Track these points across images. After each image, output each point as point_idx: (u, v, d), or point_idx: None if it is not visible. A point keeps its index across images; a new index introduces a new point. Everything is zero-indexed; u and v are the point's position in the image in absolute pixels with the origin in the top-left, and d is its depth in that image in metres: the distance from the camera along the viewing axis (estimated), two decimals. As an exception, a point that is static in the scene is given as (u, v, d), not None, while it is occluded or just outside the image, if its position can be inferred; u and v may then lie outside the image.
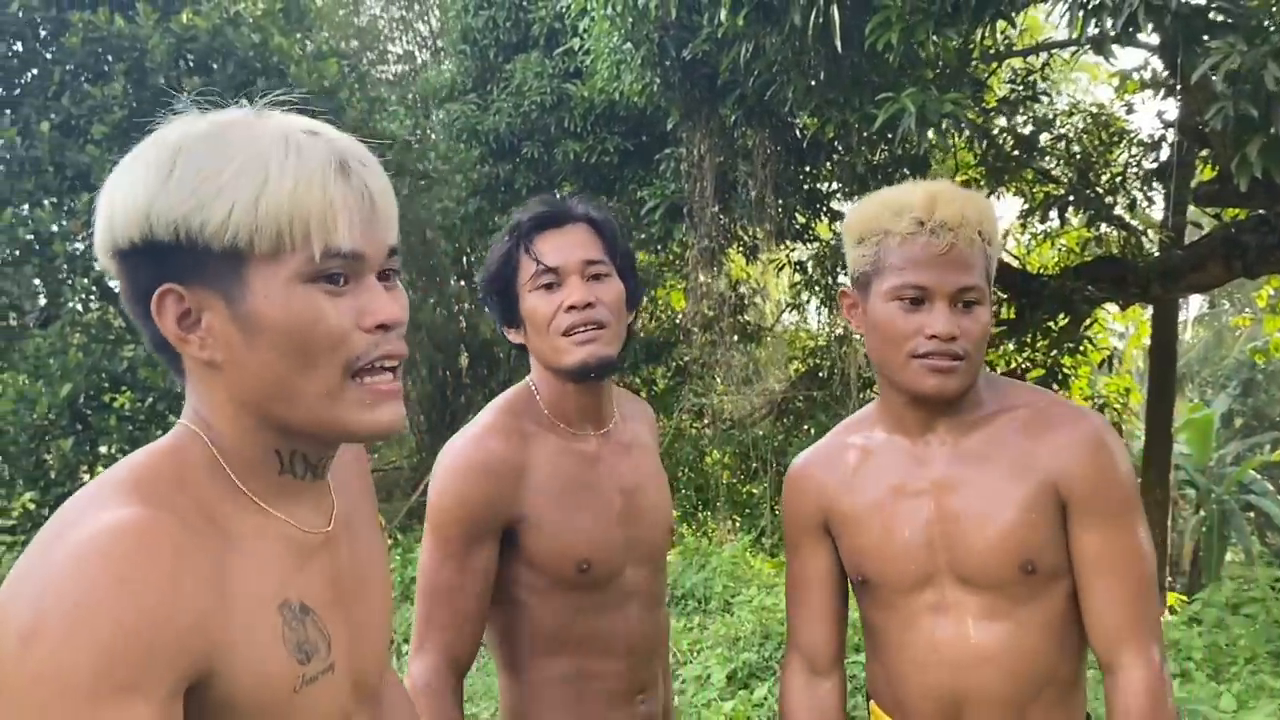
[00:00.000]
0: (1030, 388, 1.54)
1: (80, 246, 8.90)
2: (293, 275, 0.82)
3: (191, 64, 8.63)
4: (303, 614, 0.89)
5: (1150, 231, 7.99)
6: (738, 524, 9.35)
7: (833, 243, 8.46)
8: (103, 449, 8.62)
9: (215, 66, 8.61)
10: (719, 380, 8.63)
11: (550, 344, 1.53)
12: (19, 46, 8.74)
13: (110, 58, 8.55)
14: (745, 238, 8.36)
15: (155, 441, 0.89)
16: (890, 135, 4.88)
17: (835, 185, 8.33)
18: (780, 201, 7.60)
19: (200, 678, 0.78)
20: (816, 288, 9.11)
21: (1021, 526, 1.39)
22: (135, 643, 0.71)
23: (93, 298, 9.38)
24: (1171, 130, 6.83)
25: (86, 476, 8.73)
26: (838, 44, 4.35)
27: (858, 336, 7.17)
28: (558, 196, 1.67)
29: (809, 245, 9.04)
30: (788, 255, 9.12)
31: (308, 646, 0.88)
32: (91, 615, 0.70)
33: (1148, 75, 6.63)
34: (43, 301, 9.45)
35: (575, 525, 1.53)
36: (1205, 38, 3.91)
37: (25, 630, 0.69)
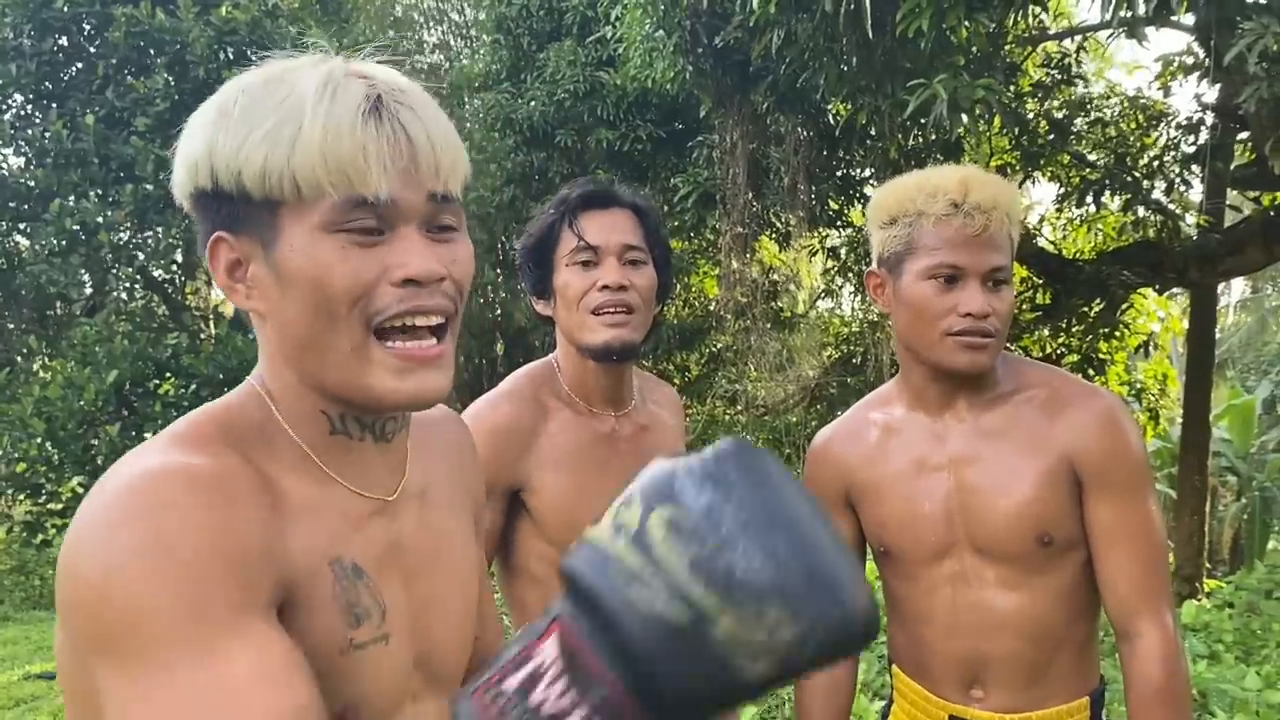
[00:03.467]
0: (1044, 367, 1.58)
1: (124, 236, 9.08)
2: (318, 224, 0.79)
3: (231, 56, 8.75)
4: (355, 575, 0.84)
5: (1189, 215, 7.89)
6: (770, 509, 9.36)
7: (866, 228, 8.43)
8: (148, 434, 8.76)
9: (254, 58, 8.72)
10: (752, 367, 8.65)
11: (578, 319, 1.56)
12: (64, 41, 8.89)
13: (152, 51, 8.68)
14: (778, 224, 8.36)
15: (215, 400, 0.87)
16: (923, 121, 4.87)
17: (868, 171, 8.29)
18: (813, 188, 7.59)
19: (276, 606, 0.74)
20: (850, 274, 9.09)
21: (1037, 501, 1.44)
22: (219, 563, 0.68)
23: (137, 286, 9.53)
24: (1209, 113, 6.75)
25: (132, 461, 8.89)
26: (869, 30, 4.35)
27: (892, 322, 7.13)
28: (606, 180, 1.71)
29: (842, 231, 9.02)
30: (821, 241, 9.11)
31: (359, 610, 0.83)
32: (166, 546, 0.67)
33: (1189, 61, 6.55)
34: (89, 290, 9.59)
35: (583, 497, 1.55)
36: (1239, 19, 3.87)
37: (98, 579, 0.67)
